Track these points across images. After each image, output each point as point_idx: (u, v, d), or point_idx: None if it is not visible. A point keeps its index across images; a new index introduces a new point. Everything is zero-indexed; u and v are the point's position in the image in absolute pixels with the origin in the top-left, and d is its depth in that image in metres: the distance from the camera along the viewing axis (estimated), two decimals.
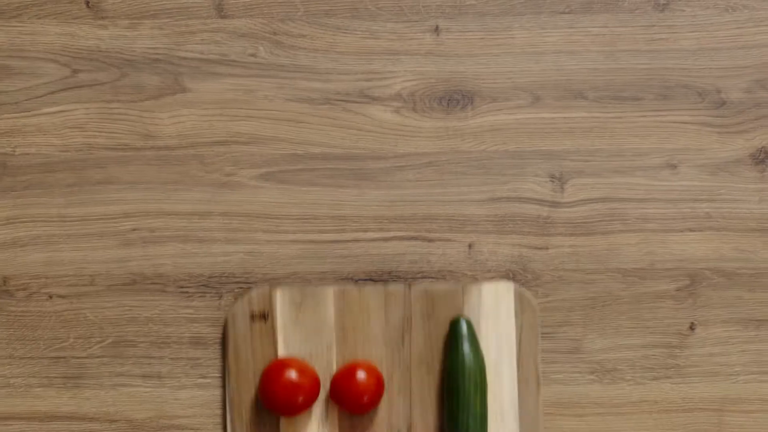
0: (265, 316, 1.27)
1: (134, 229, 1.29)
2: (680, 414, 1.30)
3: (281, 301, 1.27)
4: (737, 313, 1.30)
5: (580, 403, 1.30)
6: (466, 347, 1.24)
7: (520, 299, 1.27)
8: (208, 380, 1.29)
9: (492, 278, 1.28)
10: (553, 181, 1.30)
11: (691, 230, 1.30)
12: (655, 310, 1.30)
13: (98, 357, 1.29)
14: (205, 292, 1.29)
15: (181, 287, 1.29)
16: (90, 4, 1.30)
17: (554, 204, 1.30)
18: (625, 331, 1.30)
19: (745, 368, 1.30)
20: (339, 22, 1.30)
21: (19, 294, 1.29)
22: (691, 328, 1.30)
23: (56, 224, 1.29)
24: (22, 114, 1.30)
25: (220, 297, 1.29)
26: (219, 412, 1.29)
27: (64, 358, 1.29)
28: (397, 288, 1.27)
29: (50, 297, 1.29)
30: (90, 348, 1.29)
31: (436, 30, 1.30)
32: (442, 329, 1.28)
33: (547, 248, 1.29)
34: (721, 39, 1.30)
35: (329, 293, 1.27)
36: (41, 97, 1.29)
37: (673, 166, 1.30)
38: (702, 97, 1.30)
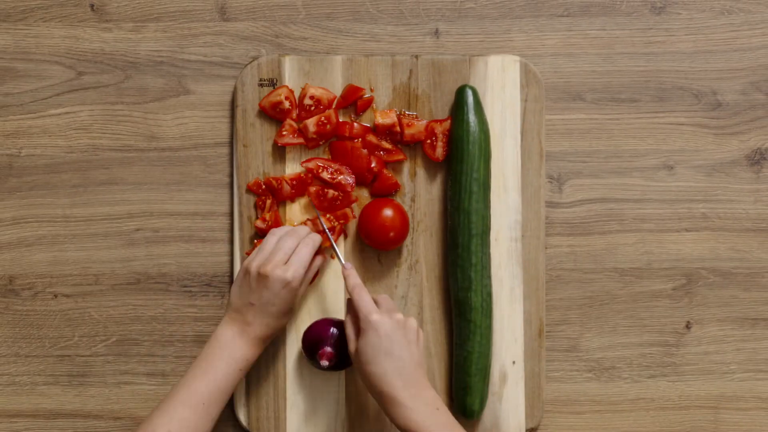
0: (273, 82, 1.28)
1: (138, 229, 1.30)
2: (677, 411, 1.31)
3: (290, 67, 1.28)
4: (733, 312, 1.31)
5: (579, 400, 1.31)
6: (471, 113, 1.26)
7: (525, 72, 1.28)
8: None
9: None
10: (551, 182, 1.30)
11: (687, 230, 1.31)
12: (652, 309, 1.30)
13: (103, 355, 1.30)
14: (208, 291, 1.30)
15: (185, 286, 1.30)
16: (94, 8, 1.31)
17: (553, 204, 1.30)
18: (623, 330, 1.31)
19: (740, 366, 1.31)
20: (340, 25, 1.31)
21: (24, 293, 1.30)
22: (688, 326, 1.31)
23: (61, 224, 1.30)
24: (28, 116, 1.30)
25: (223, 296, 1.30)
26: None
27: (69, 356, 1.30)
28: (404, 58, 1.28)
29: (55, 296, 1.30)
30: (95, 346, 1.30)
31: (436, 33, 1.30)
32: (448, 99, 1.29)
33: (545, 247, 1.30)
34: (717, 42, 1.30)
35: (337, 62, 1.28)
36: (46, 99, 1.30)
37: (670, 167, 1.31)
38: (698, 99, 1.31)
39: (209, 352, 1.18)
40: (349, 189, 1.26)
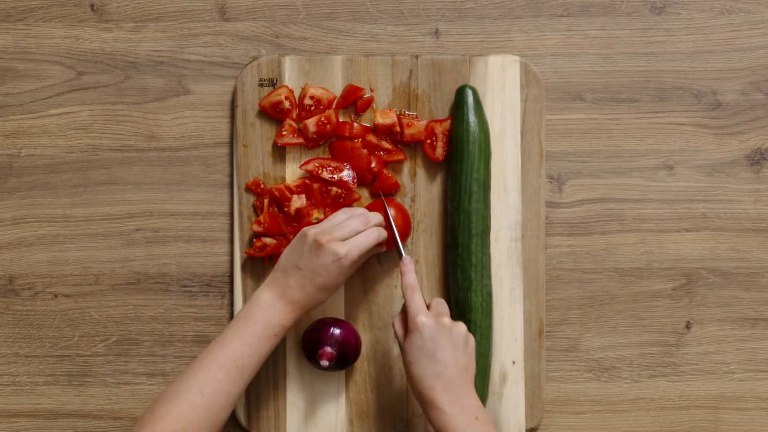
0: (273, 82, 1.28)
1: (138, 229, 1.30)
2: (677, 411, 1.31)
3: (290, 67, 1.28)
4: (733, 312, 1.31)
5: (579, 400, 1.31)
6: (471, 113, 1.25)
7: (525, 72, 1.28)
8: None
9: None
10: (551, 182, 1.30)
11: (687, 230, 1.31)
12: (652, 309, 1.31)
13: (103, 355, 1.30)
14: (208, 291, 1.30)
15: (185, 286, 1.30)
16: (94, 8, 1.31)
17: (553, 204, 1.30)
18: (623, 330, 1.31)
19: (740, 366, 1.31)
20: (340, 25, 1.31)
21: (24, 293, 1.30)
22: (688, 326, 1.31)
23: (61, 224, 1.30)
24: (28, 116, 1.30)
25: (223, 296, 1.30)
26: None
27: (69, 356, 1.30)
28: (404, 58, 1.28)
29: (55, 296, 1.30)
30: (95, 346, 1.30)
31: (436, 33, 1.31)
32: (448, 99, 1.29)
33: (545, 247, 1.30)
34: (717, 42, 1.31)
35: (337, 62, 1.28)
36: (46, 99, 1.30)
37: (670, 167, 1.31)
38: (698, 99, 1.31)
39: (246, 314, 1.16)
40: (351, 185, 1.26)
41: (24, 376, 1.30)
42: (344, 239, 1.17)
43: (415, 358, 1.13)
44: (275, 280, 1.17)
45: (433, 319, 1.14)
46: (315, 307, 1.19)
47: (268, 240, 1.27)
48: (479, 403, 1.13)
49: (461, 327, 1.16)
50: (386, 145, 1.28)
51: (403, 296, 1.17)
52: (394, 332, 1.18)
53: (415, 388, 1.13)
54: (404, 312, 1.19)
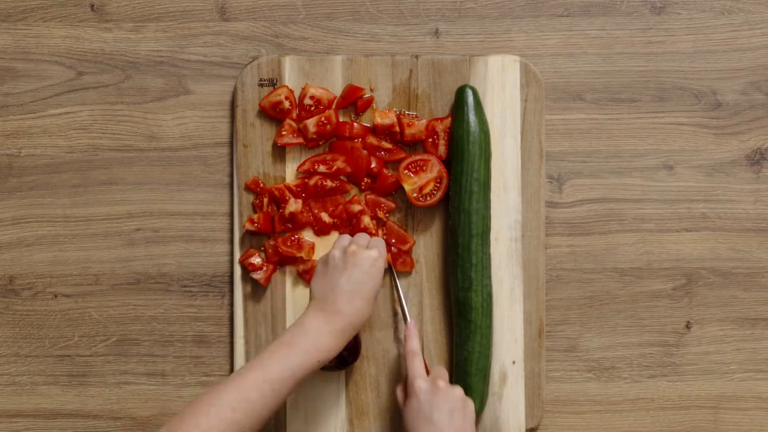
0: (273, 82, 1.28)
1: (138, 229, 1.30)
2: (677, 411, 1.31)
3: (290, 67, 1.28)
4: (733, 312, 1.31)
5: (578, 400, 1.31)
6: (472, 113, 1.26)
7: (525, 72, 1.28)
8: (212, 378, 1.30)
9: None
10: (551, 182, 1.30)
11: (687, 230, 1.31)
12: (652, 309, 1.31)
13: (103, 355, 1.30)
14: (208, 291, 1.30)
15: (185, 286, 1.30)
16: (94, 8, 1.31)
17: (553, 204, 1.31)
18: (623, 330, 1.31)
19: (740, 366, 1.31)
20: (340, 25, 1.31)
21: (24, 293, 1.30)
22: (688, 326, 1.31)
23: (61, 224, 1.30)
24: (28, 116, 1.30)
25: (223, 296, 1.30)
26: None
27: (69, 356, 1.30)
28: (404, 58, 1.28)
29: (55, 296, 1.30)
30: (95, 346, 1.30)
31: (436, 33, 1.31)
32: (448, 99, 1.29)
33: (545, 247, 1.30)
34: (717, 42, 1.31)
35: (337, 62, 1.28)
36: (46, 99, 1.30)
37: (670, 167, 1.31)
38: (698, 99, 1.31)
39: (292, 338, 1.13)
40: (348, 170, 1.27)
41: (24, 376, 1.30)
42: (366, 247, 1.19)
43: (413, 422, 1.15)
44: (320, 308, 1.15)
45: (429, 382, 1.17)
46: (361, 326, 1.17)
47: (259, 275, 1.28)
48: None
49: (458, 390, 1.18)
50: (386, 145, 1.28)
51: (405, 361, 1.20)
52: (397, 399, 1.20)
53: None
54: (405, 378, 1.21)
